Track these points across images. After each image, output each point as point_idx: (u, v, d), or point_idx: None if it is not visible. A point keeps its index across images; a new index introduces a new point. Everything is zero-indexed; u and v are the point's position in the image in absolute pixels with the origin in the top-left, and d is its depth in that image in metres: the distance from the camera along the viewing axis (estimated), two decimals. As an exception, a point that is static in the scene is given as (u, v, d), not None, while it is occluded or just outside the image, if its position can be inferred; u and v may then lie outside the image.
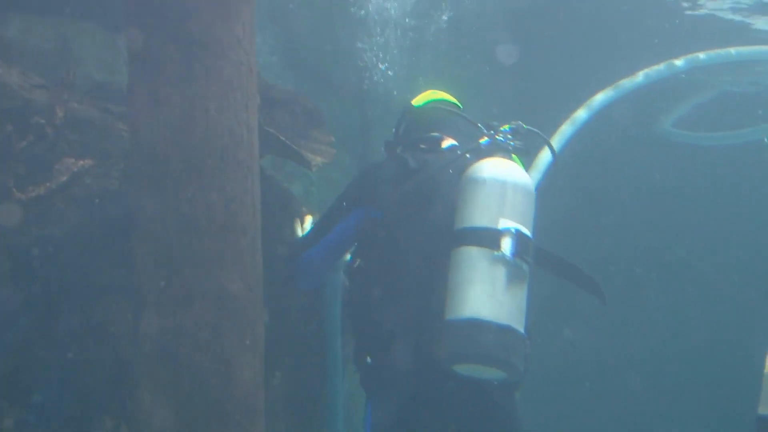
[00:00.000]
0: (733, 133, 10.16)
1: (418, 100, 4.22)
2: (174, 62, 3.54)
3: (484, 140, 3.72)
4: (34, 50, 4.37)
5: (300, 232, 4.51)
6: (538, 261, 3.56)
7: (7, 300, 3.77)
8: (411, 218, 3.70)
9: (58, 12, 4.50)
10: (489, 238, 3.36)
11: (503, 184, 3.45)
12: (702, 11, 8.65)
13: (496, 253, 3.34)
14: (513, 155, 3.70)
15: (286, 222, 4.61)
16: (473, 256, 3.36)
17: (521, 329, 3.35)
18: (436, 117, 4.13)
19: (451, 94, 4.28)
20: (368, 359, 3.60)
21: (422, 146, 3.99)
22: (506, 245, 3.35)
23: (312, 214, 4.64)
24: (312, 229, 4.18)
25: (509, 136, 3.70)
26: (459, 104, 4.26)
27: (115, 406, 3.73)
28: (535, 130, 3.79)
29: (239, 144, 3.64)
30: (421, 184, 3.70)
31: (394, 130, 4.27)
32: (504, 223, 3.38)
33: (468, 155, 3.70)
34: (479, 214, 3.41)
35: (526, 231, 3.44)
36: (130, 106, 3.71)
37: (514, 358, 3.31)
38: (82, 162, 3.82)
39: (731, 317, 11.14)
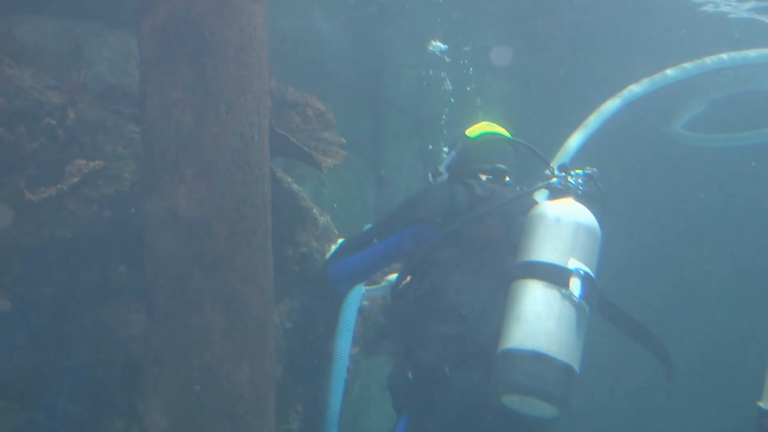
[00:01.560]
0: (746, 135, 10.11)
1: (472, 131, 4.21)
2: (185, 64, 3.54)
3: (554, 180, 3.74)
4: (47, 52, 4.39)
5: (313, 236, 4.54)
6: (600, 309, 3.55)
7: (18, 301, 3.78)
8: (474, 244, 3.70)
9: (70, 14, 4.51)
10: (559, 275, 3.38)
11: (577, 225, 3.47)
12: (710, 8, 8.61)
13: (564, 291, 3.35)
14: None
15: (296, 224, 4.61)
16: (540, 291, 3.36)
17: (578, 370, 3.35)
18: (493, 149, 4.16)
19: (506, 128, 4.28)
20: (410, 375, 3.57)
21: (483, 176, 4.01)
22: (575, 286, 3.37)
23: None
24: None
25: (580, 181, 3.70)
26: (510, 137, 4.27)
27: (125, 407, 3.73)
28: (600, 184, 3.77)
29: (250, 146, 3.64)
30: (490, 213, 3.72)
31: (446, 157, 4.26)
32: (574, 264, 3.40)
33: (539, 192, 3.74)
34: (550, 251, 3.42)
35: (593, 275, 3.46)
36: (141, 108, 3.71)
37: (570, 397, 3.30)
38: (93, 163, 3.83)
39: (739, 320, 11.10)
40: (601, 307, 3.54)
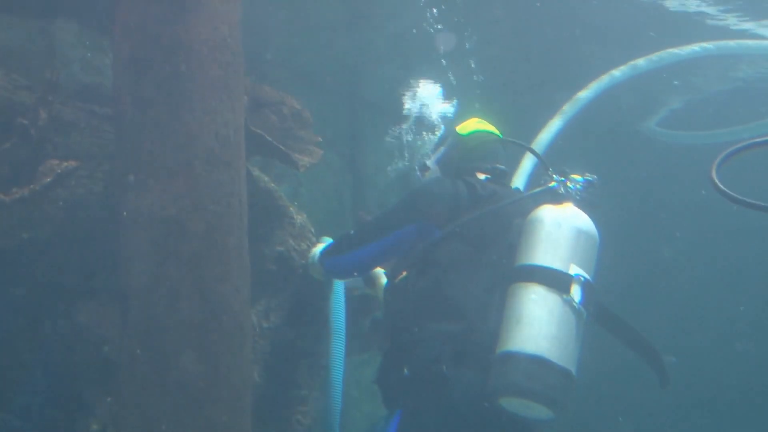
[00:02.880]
0: (721, 132, 10.19)
1: (463, 128, 4.20)
2: (160, 63, 3.53)
3: (553, 184, 3.74)
4: (19, 51, 4.35)
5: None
6: (597, 316, 3.57)
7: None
8: (473, 243, 3.70)
9: (43, 13, 4.47)
10: (560, 281, 3.38)
11: (578, 231, 3.48)
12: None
13: (565, 297, 3.36)
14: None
15: (273, 222, 4.60)
16: (542, 295, 3.36)
17: (575, 375, 3.36)
18: (492, 149, 4.17)
19: (495, 126, 4.28)
20: (405, 371, 3.57)
21: (481, 176, 4.02)
22: (576, 292, 3.37)
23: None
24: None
25: (578, 186, 3.72)
26: (501, 136, 4.28)
27: (101, 408, 3.70)
28: (599, 191, 3.78)
29: (226, 145, 3.62)
30: (491, 213, 3.72)
31: (435, 152, 4.27)
32: (575, 270, 3.41)
33: (538, 195, 3.74)
34: (552, 256, 3.43)
35: (592, 282, 3.48)
36: (115, 108, 3.69)
37: (568, 402, 3.32)
38: (66, 163, 3.80)
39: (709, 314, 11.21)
40: (598, 313, 3.56)
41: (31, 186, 3.65)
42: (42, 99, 3.80)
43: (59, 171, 3.75)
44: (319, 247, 4.46)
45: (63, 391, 3.79)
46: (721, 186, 2.53)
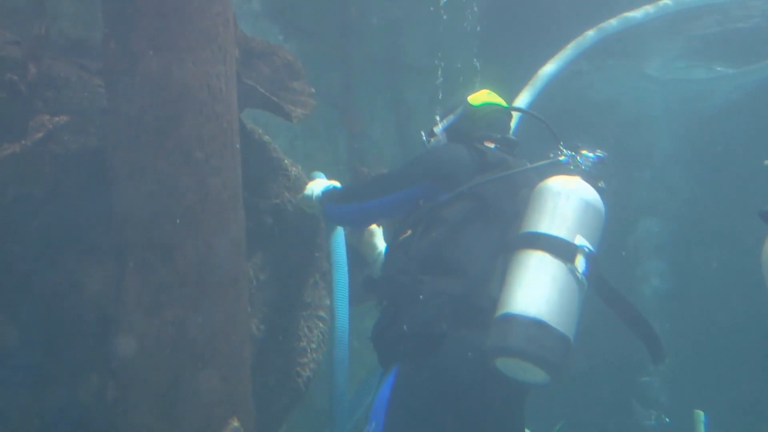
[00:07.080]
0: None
1: (475, 99, 4.24)
2: (149, 16, 3.49)
3: (563, 158, 3.78)
4: (7, 7, 4.29)
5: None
6: (597, 289, 3.61)
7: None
8: (481, 208, 3.75)
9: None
10: (566, 250, 3.43)
11: (586, 203, 3.53)
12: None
13: (569, 266, 3.41)
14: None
15: (267, 175, 4.58)
16: (546, 262, 3.41)
17: (572, 342, 3.39)
18: (503, 120, 4.27)
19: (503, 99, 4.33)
20: (405, 328, 3.59)
21: (491, 144, 4.08)
22: (581, 262, 3.42)
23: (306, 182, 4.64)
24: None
25: (588, 162, 3.75)
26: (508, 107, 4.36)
27: (100, 363, 3.72)
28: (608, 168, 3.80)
29: (218, 97, 3.60)
30: (500, 180, 3.77)
31: (443, 119, 4.30)
32: (581, 241, 3.46)
33: (547, 168, 3.78)
34: (559, 225, 3.47)
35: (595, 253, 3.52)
36: (105, 62, 3.65)
37: (565, 367, 3.36)
38: (57, 119, 3.76)
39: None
40: (599, 286, 3.60)
41: (23, 142, 3.63)
42: (31, 54, 3.76)
43: (51, 126, 3.72)
44: (318, 184, 4.46)
45: (62, 347, 3.80)
46: None
